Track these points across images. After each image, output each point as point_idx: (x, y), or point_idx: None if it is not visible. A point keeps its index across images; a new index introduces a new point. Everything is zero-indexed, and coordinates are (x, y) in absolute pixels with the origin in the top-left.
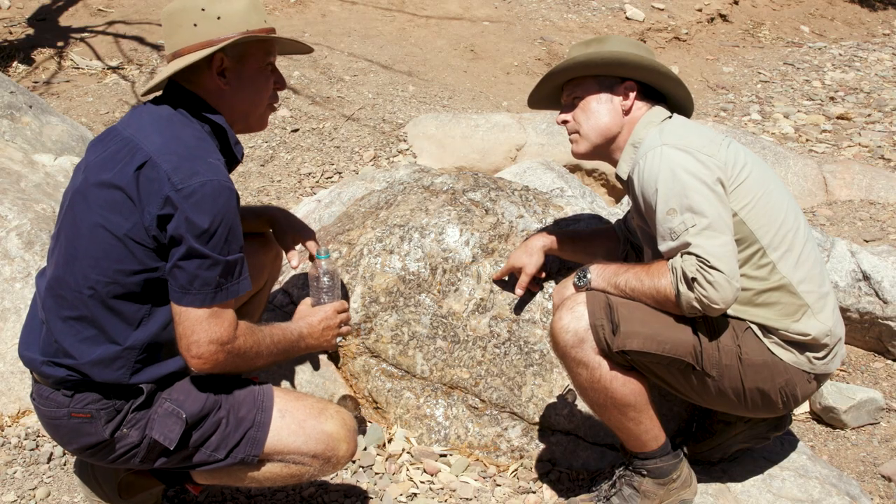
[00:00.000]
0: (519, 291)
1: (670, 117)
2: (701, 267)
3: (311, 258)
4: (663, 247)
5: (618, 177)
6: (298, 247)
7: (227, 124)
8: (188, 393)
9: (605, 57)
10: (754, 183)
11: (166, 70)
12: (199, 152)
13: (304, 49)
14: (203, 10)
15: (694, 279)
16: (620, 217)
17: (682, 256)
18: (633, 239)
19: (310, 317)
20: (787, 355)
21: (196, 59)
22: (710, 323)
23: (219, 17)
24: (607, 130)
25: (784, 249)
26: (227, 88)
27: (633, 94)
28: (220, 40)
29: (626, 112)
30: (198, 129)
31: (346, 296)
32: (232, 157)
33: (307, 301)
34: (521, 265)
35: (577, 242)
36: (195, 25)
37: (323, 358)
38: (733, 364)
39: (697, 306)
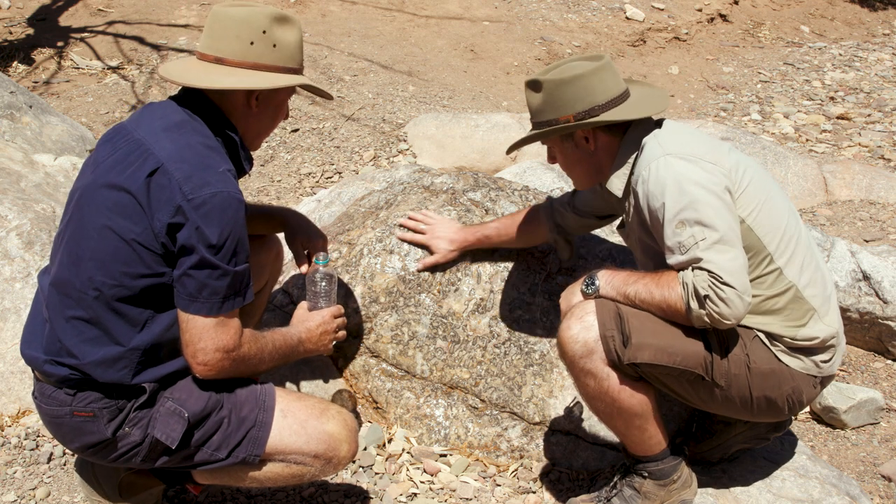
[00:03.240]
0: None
1: (658, 124)
2: (713, 283)
3: (310, 260)
4: (672, 260)
5: (604, 187)
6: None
7: (241, 141)
8: (190, 392)
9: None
10: (756, 188)
11: (211, 78)
12: (210, 161)
13: (328, 96)
14: (264, 32)
15: (706, 296)
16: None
17: (693, 271)
18: (566, 228)
19: (308, 321)
20: (795, 362)
21: (263, 87)
22: (719, 333)
23: (274, 45)
24: (588, 170)
25: (789, 254)
26: (255, 111)
27: (590, 136)
28: (270, 67)
29: (595, 149)
30: (210, 137)
31: (348, 295)
32: (239, 169)
33: (304, 305)
34: (435, 250)
35: (499, 236)
36: (252, 44)
37: (323, 358)
38: (741, 373)
39: (708, 321)
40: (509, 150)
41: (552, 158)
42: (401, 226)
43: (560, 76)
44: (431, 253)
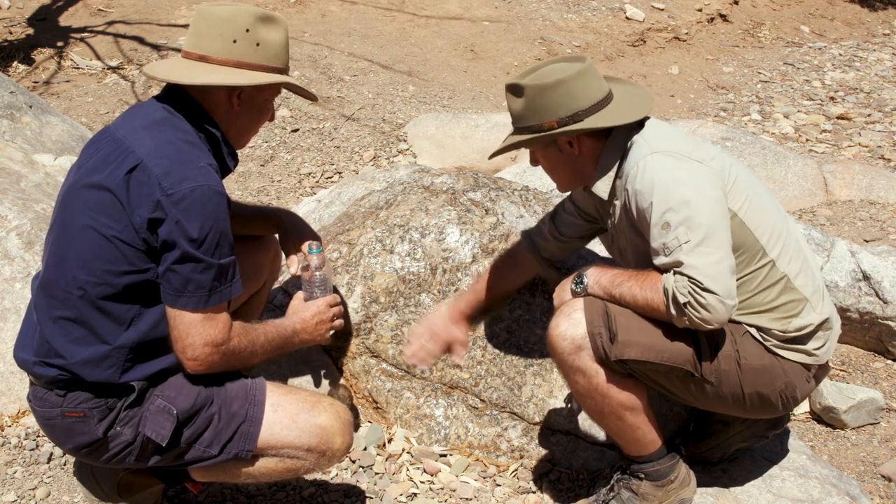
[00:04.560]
0: (461, 362)
1: (640, 124)
2: (693, 290)
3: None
4: (657, 261)
5: (589, 190)
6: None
7: (223, 137)
8: (180, 389)
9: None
10: (743, 183)
11: (194, 75)
12: (190, 157)
13: (312, 97)
14: (247, 31)
15: (686, 303)
16: (544, 224)
17: (674, 275)
18: (555, 258)
19: (303, 312)
20: (788, 353)
21: (243, 84)
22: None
23: (258, 44)
24: (572, 174)
25: (780, 246)
26: (237, 109)
27: (574, 141)
28: (253, 66)
29: (580, 153)
30: (191, 133)
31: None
32: (224, 166)
33: (299, 295)
34: (454, 340)
35: (491, 290)
36: (234, 42)
37: (322, 357)
38: (732, 369)
39: (689, 324)
40: (492, 156)
41: (535, 161)
42: (416, 362)
43: (542, 81)
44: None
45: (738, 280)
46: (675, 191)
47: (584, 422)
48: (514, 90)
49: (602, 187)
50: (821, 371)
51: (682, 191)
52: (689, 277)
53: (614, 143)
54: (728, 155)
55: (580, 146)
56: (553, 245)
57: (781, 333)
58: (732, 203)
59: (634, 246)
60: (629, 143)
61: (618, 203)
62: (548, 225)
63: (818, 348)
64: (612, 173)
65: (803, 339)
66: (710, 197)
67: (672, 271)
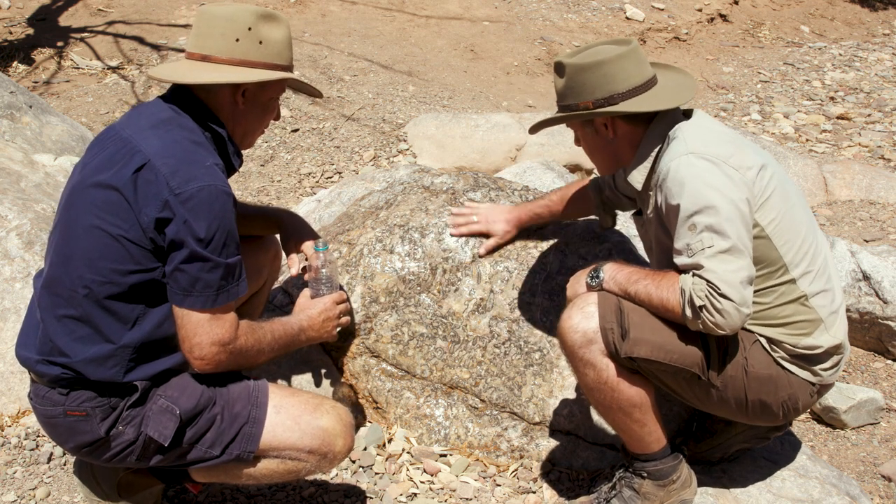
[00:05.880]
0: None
1: (687, 114)
2: (710, 294)
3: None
4: (678, 260)
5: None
6: (301, 253)
7: (229, 136)
8: (183, 389)
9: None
10: (780, 195)
11: (197, 75)
12: (197, 156)
13: (317, 94)
14: (249, 29)
15: (702, 307)
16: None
17: (692, 277)
18: (611, 203)
19: (309, 309)
20: (795, 368)
21: (246, 81)
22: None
23: (261, 42)
24: (607, 157)
25: (805, 265)
26: (242, 108)
27: (609, 124)
28: (257, 64)
29: (615, 137)
30: (197, 132)
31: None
32: (229, 166)
33: (306, 293)
34: (494, 233)
35: (552, 214)
36: (237, 40)
37: (322, 357)
38: (738, 375)
39: (702, 328)
40: (531, 130)
41: (577, 142)
42: (452, 224)
43: (582, 61)
44: (488, 237)
45: (755, 291)
46: (706, 194)
47: (584, 422)
48: (558, 68)
49: (637, 177)
50: (825, 388)
51: (712, 196)
52: (708, 282)
53: (654, 132)
54: (774, 163)
55: (615, 130)
56: (611, 194)
57: (791, 348)
58: (763, 217)
59: (659, 241)
60: (670, 136)
61: (651, 194)
62: (608, 178)
63: (826, 370)
64: (648, 164)
65: (813, 360)
66: (738, 206)
67: (691, 273)
